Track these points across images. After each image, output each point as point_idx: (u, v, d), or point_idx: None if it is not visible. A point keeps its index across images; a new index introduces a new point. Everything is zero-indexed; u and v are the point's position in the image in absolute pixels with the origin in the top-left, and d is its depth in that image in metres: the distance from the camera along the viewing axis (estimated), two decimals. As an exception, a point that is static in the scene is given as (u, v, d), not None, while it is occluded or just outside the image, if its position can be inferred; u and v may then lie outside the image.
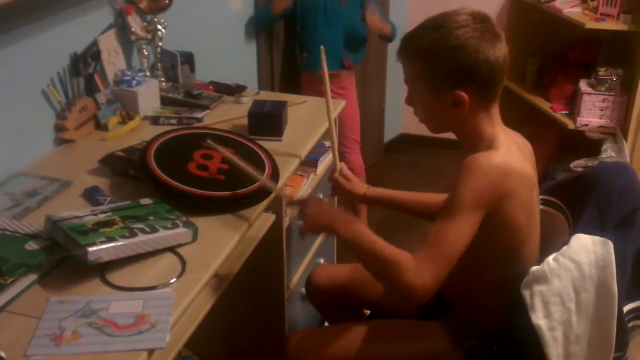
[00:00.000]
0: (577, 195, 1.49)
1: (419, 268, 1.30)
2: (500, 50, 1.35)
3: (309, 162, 2.02)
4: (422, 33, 1.38)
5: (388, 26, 2.88)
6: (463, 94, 1.35)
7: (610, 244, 1.32)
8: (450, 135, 1.49)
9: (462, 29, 1.33)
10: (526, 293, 1.35)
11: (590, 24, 3.01)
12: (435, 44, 1.35)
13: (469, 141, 1.42)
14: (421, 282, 1.30)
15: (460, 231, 1.31)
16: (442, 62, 1.35)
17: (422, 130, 1.49)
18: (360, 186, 1.79)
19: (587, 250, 1.32)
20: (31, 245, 1.34)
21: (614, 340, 1.35)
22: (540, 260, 1.39)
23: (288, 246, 1.92)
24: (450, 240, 1.31)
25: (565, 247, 1.34)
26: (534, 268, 1.35)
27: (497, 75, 1.36)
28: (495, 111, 1.42)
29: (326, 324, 2.07)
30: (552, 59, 3.52)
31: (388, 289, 1.66)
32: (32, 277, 1.28)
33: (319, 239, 2.23)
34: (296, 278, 2.05)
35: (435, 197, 1.78)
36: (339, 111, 2.20)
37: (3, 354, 1.07)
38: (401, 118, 3.93)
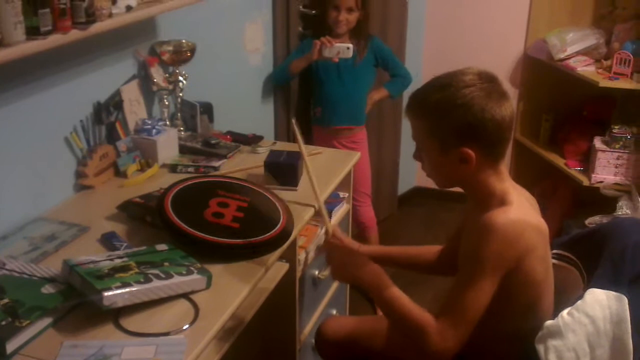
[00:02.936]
0: (591, 251, 1.48)
1: (443, 335, 1.34)
2: (506, 109, 1.37)
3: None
4: (429, 91, 1.41)
5: (381, 93, 3.00)
6: (470, 151, 1.37)
7: (625, 300, 1.31)
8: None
9: (469, 88, 1.35)
10: (540, 347, 1.34)
11: (604, 83, 3.05)
12: (442, 102, 1.37)
13: (479, 197, 1.44)
14: (445, 348, 1.35)
15: (482, 294, 1.34)
16: (449, 120, 1.37)
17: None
18: (352, 244, 1.79)
19: (601, 305, 1.32)
20: (47, 289, 1.35)
21: (630, 399, 1.32)
22: (554, 314, 1.39)
23: (301, 296, 1.92)
24: (473, 305, 1.34)
25: (579, 302, 1.34)
26: (549, 322, 1.35)
27: (503, 134, 1.38)
28: (504, 168, 1.44)
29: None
30: (566, 116, 3.54)
31: (404, 345, 1.68)
32: (47, 321, 1.29)
33: (332, 290, 2.22)
34: (308, 328, 2.04)
35: (430, 250, 1.79)
36: (353, 163, 2.23)
37: (15, 396, 1.08)
38: (415, 171, 3.95)
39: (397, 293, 1.44)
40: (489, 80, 1.38)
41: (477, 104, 1.34)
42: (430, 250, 1.79)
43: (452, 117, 1.36)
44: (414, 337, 1.39)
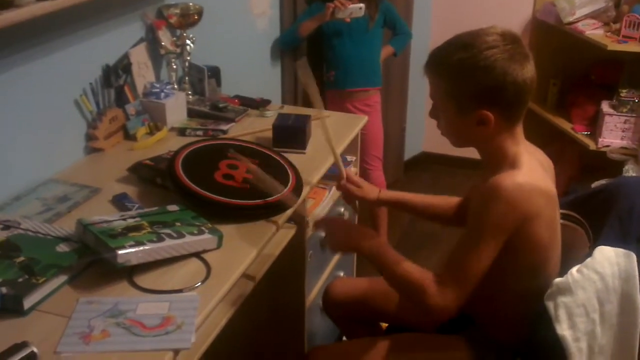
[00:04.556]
0: (597, 209, 1.49)
1: (442, 293, 1.35)
2: (528, 72, 1.34)
3: (331, 175, 2.05)
4: (451, 51, 1.37)
5: (387, 51, 3.01)
6: (488, 114, 1.35)
7: (634, 256, 1.32)
8: (470, 154, 1.49)
9: (492, 50, 1.32)
10: (550, 304, 1.35)
11: (613, 46, 3.02)
12: (463, 63, 1.34)
13: (492, 158, 1.43)
14: (444, 306, 1.35)
15: (483, 255, 1.34)
16: (470, 82, 1.34)
17: (442, 148, 1.51)
18: (372, 190, 1.79)
19: (610, 262, 1.33)
20: (62, 248, 1.38)
21: (637, 352, 1.35)
22: (561, 272, 1.40)
23: (309, 258, 1.94)
24: (474, 265, 1.34)
25: (588, 259, 1.35)
26: (558, 280, 1.36)
27: (523, 97, 1.36)
28: (520, 130, 1.42)
29: (344, 338, 2.07)
30: (573, 80, 3.52)
31: (410, 306, 1.70)
32: (63, 278, 1.31)
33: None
34: (316, 290, 2.07)
35: (448, 201, 1.78)
36: (361, 126, 2.23)
37: (35, 349, 1.10)
38: (422, 136, 3.95)
39: (397, 258, 1.44)
40: (512, 41, 1.34)
41: (499, 67, 1.31)
42: (448, 202, 1.78)
43: (473, 80, 1.34)
44: (413, 296, 1.40)
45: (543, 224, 1.37)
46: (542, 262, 1.43)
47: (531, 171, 1.38)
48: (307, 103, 2.95)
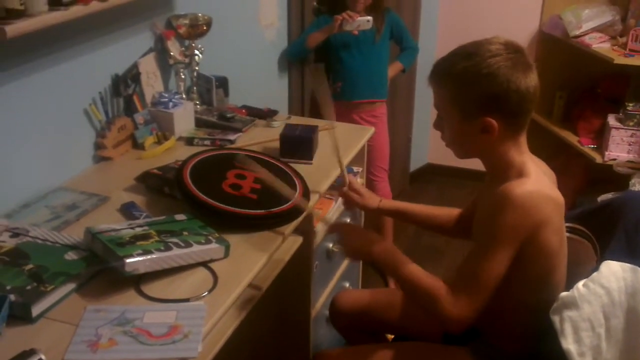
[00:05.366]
0: (604, 223, 1.49)
1: (457, 303, 1.35)
2: (531, 81, 1.36)
3: (339, 187, 2.05)
4: (454, 60, 1.39)
5: (396, 68, 3.01)
6: (492, 121, 1.36)
7: (640, 271, 1.33)
8: (475, 166, 1.50)
9: (495, 58, 1.34)
10: (556, 318, 1.35)
11: (619, 60, 3.03)
12: (467, 71, 1.36)
13: (497, 168, 1.44)
14: (460, 316, 1.35)
15: (497, 265, 1.34)
16: (473, 89, 1.36)
17: (448, 160, 1.52)
18: (372, 199, 1.80)
19: (616, 276, 1.33)
20: (70, 256, 1.38)
21: (643, 368, 1.35)
22: (567, 286, 1.40)
23: (315, 268, 1.95)
24: (487, 275, 1.34)
25: (595, 274, 1.35)
26: (564, 294, 1.36)
27: (526, 105, 1.38)
28: (523, 140, 1.43)
29: (350, 349, 2.07)
30: (580, 93, 3.53)
31: (416, 316, 1.71)
32: (71, 286, 1.32)
33: (345, 263, 2.25)
34: (321, 300, 2.07)
35: (449, 212, 1.79)
36: (368, 137, 2.24)
37: (43, 357, 1.11)
38: (428, 148, 3.95)
39: (411, 267, 1.44)
40: (515, 50, 1.36)
41: (503, 74, 1.33)
42: (449, 213, 1.79)
43: (477, 87, 1.35)
44: (427, 305, 1.40)
45: (552, 231, 1.38)
46: (549, 270, 1.43)
47: (539, 179, 1.39)
48: (315, 114, 2.97)
